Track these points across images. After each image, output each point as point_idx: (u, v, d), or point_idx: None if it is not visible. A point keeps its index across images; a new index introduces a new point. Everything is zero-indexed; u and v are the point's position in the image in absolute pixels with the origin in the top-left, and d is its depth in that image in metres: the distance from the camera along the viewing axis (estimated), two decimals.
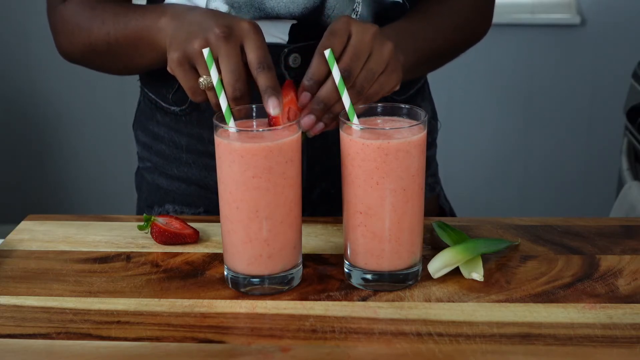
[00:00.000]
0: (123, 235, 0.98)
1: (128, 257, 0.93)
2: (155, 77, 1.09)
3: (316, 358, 0.73)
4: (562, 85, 2.85)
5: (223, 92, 0.83)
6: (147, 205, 1.15)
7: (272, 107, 0.82)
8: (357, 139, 0.81)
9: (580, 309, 0.80)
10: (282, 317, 0.79)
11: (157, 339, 0.76)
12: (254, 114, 0.85)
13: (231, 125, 0.82)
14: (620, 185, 2.11)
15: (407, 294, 0.83)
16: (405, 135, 0.81)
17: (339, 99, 0.84)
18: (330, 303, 0.82)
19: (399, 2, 1.04)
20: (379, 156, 0.80)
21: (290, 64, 1.00)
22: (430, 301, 0.82)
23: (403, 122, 0.85)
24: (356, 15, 0.99)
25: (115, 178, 3.03)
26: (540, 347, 0.74)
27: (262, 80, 0.83)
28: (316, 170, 1.06)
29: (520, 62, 2.82)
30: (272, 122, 0.83)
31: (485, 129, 2.91)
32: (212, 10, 0.90)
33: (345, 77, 0.83)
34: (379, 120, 0.86)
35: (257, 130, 0.84)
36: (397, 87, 0.90)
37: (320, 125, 0.86)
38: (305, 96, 0.85)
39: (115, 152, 3.00)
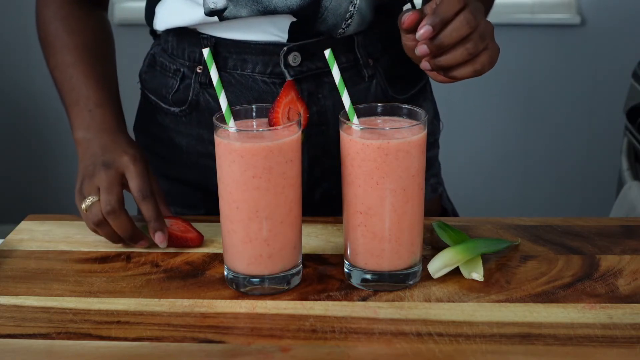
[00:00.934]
0: None
1: (128, 257, 0.93)
2: (155, 78, 1.09)
3: (316, 358, 0.73)
4: (562, 85, 2.85)
5: (223, 93, 0.83)
6: None
7: (159, 241, 0.93)
8: (357, 139, 0.81)
9: (580, 309, 0.80)
10: (282, 317, 0.79)
11: (157, 339, 0.76)
12: (254, 114, 0.85)
13: (231, 125, 0.82)
14: (620, 185, 2.11)
15: (407, 294, 0.83)
16: (405, 135, 0.81)
17: (458, 43, 0.84)
18: (330, 303, 0.82)
19: None
20: (379, 156, 0.80)
21: (290, 63, 1.00)
22: (430, 301, 0.82)
23: (403, 122, 0.85)
24: (354, 7, 0.98)
25: None
26: (540, 347, 0.74)
27: (145, 210, 0.93)
28: (317, 171, 1.06)
29: (520, 62, 2.82)
30: (272, 122, 0.83)
31: (485, 129, 2.91)
32: (102, 144, 0.98)
33: (468, 19, 0.82)
34: (379, 120, 0.86)
35: (257, 130, 0.84)
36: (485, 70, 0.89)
37: (440, 77, 0.87)
38: (427, 30, 0.83)
39: None
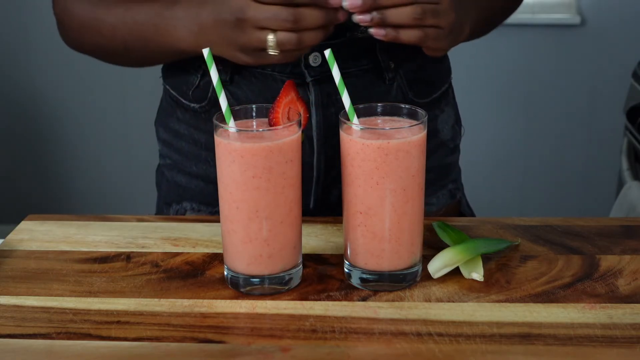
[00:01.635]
0: (123, 235, 0.98)
1: (128, 257, 0.93)
2: (177, 73, 1.08)
3: (316, 358, 0.73)
4: (562, 85, 2.85)
5: (223, 92, 0.83)
6: (165, 202, 1.14)
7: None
8: (357, 139, 0.81)
9: (580, 309, 0.80)
10: (282, 317, 0.79)
11: (157, 339, 0.76)
12: (254, 114, 0.85)
13: (231, 125, 0.82)
14: (620, 185, 2.11)
15: (407, 294, 0.83)
16: (405, 135, 0.81)
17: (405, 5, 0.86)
18: (330, 303, 0.82)
19: None
20: (379, 156, 0.80)
21: (311, 63, 1.00)
22: (430, 301, 0.82)
23: (403, 122, 0.85)
24: None
25: (116, 178, 3.04)
26: (540, 347, 0.74)
27: None
28: (332, 174, 1.05)
29: (520, 62, 2.82)
30: (272, 122, 0.83)
31: (485, 129, 2.91)
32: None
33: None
34: (379, 120, 0.86)
35: (257, 130, 0.84)
36: (441, 45, 0.92)
37: (381, 32, 0.88)
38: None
39: (115, 152, 3.01)
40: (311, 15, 0.87)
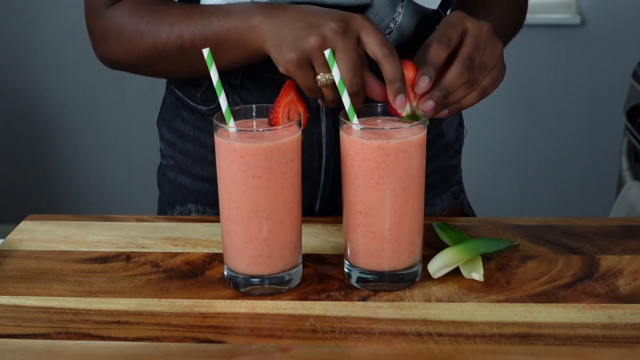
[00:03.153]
0: (123, 235, 0.98)
1: (128, 257, 0.93)
2: None
3: (316, 358, 0.73)
4: (562, 85, 2.85)
5: (223, 92, 0.83)
6: (169, 203, 1.14)
7: (399, 105, 0.83)
8: (357, 139, 0.81)
9: (580, 309, 0.80)
10: (282, 317, 0.79)
11: (157, 339, 0.76)
12: (254, 114, 0.85)
13: (231, 125, 0.82)
14: (620, 185, 2.11)
15: (407, 294, 0.83)
16: (405, 135, 0.81)
17: (460, 86, 0.87)
18: (330, 303, 0.82)
19: (437, 11, 1.03)
20: (379, 156, 0.80)
21: None
22: (430, 301, 0.82)
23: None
24: (395, 24, 0.98)
25: (116, 178, 3.04)
26: (540, 347, 0.74)
27: (389, 68, 0.82)
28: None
29: (520, 62, 2.82)
30: (272, 122, 0.83)
31: (485, 129, 2.91)
32: (308, 6, 0.88)
33: (467, 65, 0.86)
34: (379, 120, 0.86)
35: (257, 130, 0.84)
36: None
37: (445, 112, 0.88)
38: (424, 80, 0.84)
39: (115, 151, 3.01)
40: (371, 88, 0.85)
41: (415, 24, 1.00)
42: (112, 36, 1.00)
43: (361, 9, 0.96)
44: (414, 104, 0.86)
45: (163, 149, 1.15)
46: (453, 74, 0.86)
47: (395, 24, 0.98)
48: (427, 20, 1.02)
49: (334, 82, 0.83)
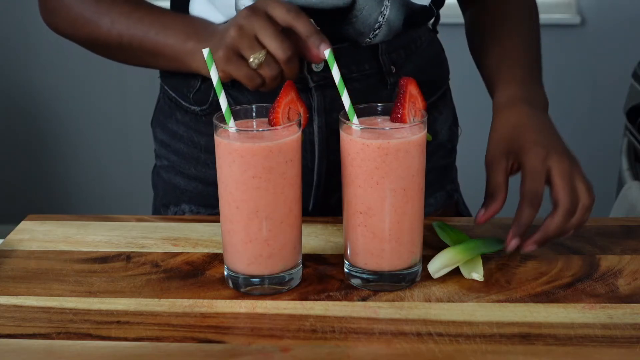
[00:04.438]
0: (123, 235, 0.98)
1: (128, 257, 0.93)
2: (177, 75, 1.07)
3: (316, 358, 0.73)
4: (562, 85, 2.85)
5: (223, 92, 0.83)
6: (163, 204, 1.14)
7: (323, 51, 0.85)
8: (357, 139, 0.81)
9: (580, 309, 0.80)
10: (282, 317, 0.79)
11: (157, 339, 0.76)
12: (254, 114, 0.85)
13: (231, 125, 0.82)
14: (620, 185, 2.11)
15: (407, 294, 0.83)
16: (405, 135, 0.81)
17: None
18: (330, 303, 0.82)
19: (426, 6, 1.03)
20: (379, 156, 0.80)
21: (314, 68, 0.99)
22: (430, 301, 0.82)
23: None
24: (383, 18, 0.98)
25: (116, 178, 3.04)
26: (540, 347, 0.74)
27: (302, 26, 0.85)
28: (334, 179, 1.05)
29: None
30: (272, 122, 0.83)
31: (485, 129, 2.90)
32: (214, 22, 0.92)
33: (558, 234, 0.88)
34: (379, 120, 0.86)
35: (257, 130, 0.84)
36: None
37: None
38: (516, 243, 0.88)
39: (115, 151, 3.01)
40: (289, 71, 0.87)
41: (404, 17, 1.00)
42: (59, 14, 1.03)
43: (346, 9, 0.97)
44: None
45: (157, 150, 1.15)
46: (555, 225, 0.88)
47: (383, 18, 0.98)
48: (414, 15, 1.02)
49: (266, 56, 0.85)
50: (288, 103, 0.84)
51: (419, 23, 1.05)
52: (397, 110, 0.83)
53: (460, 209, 1.18)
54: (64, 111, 2.96)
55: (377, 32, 0.99)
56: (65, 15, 1.02)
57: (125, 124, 2.98)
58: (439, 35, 1.16)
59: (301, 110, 0.84)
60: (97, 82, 2.91)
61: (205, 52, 0.83)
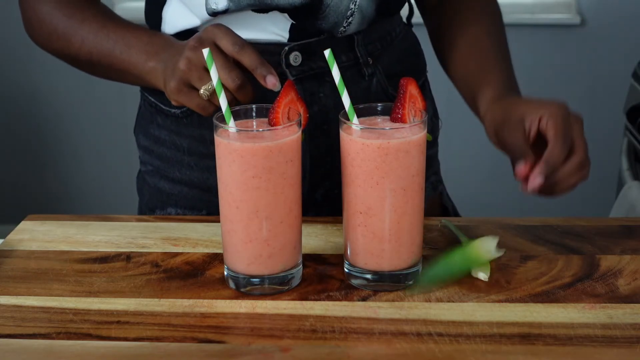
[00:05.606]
0: (123, 235, 0.98)
1: (128, 257, 0.93)
2: None
3: (316, 358, 0.73)
4: (562, 85, 2.85)
5: (223, 93, 0.83)
6: (148, 208, 1.14)
7: (272, 85, 0.86)
8: (357, 139, 0.81)
9: (580, 309, 0.80)
10: (282, 317, 0.79)
11: (157, 339, 0.76)
12: (254, 114, 0.85)
13: (231, 125, 0.82)
14: (620, 185, 2.11)
15: (407, 294, 0.83)
16: (405, 135, 0.81)
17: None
18: (330, 303, 0.82)
19: None
20: (379, 156, 0.80)
21: (291, 62, 1.00)
22: (430, 301, 0.82)
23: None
24: (355, 5, 0.98)
25: (116, 178, 3.03)
26: (540, 347, 0.74)
27: (247, 59, 0.86)
28: (320, 171, 1.05)
29: (520, 62, 2.81)
30: (272, 122, 0.83)
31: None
32: (181, 42, 0.93)
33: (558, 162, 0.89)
34: (379, 120, 0.86)
35: (257, 130, 0.84)
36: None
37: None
38: (539, 180, 0.87)
39: (115, 151, 3.00)
40: (243, 97, 0.87)
41: (375, 4, 1.01)
42: (36, 27, 1.07)
43: (316, 1, 0.97)
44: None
45: (141, 156, 1.15)
46: (557, 153, 0.88)
47: (355, 5, 0.99)
48: (386, 1, 1.03)
49: (214, 90, 0.85)
50: (288, 103, 0.84)
51: (391, 11, 1.05)
52: (397, 110, 0.84)
53: (444, 201, 1.19)
54: (64, 111, 2.96)
55: (350, 19, 0.99)
56: (39, 29, 1.06)
57: (125, 124, 2.97)
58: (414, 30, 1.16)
59: (301, 110, 0.84)
60: (97, 82, 2.90)
61: (205, 52, 0.83)
